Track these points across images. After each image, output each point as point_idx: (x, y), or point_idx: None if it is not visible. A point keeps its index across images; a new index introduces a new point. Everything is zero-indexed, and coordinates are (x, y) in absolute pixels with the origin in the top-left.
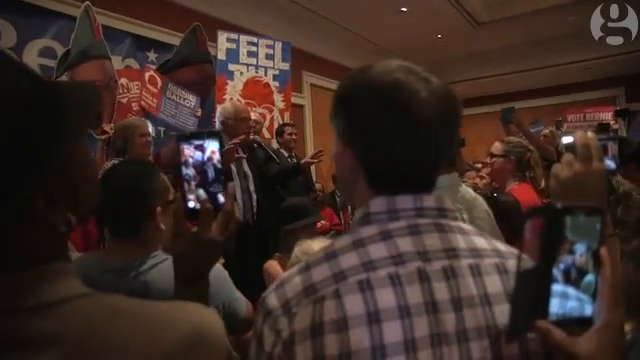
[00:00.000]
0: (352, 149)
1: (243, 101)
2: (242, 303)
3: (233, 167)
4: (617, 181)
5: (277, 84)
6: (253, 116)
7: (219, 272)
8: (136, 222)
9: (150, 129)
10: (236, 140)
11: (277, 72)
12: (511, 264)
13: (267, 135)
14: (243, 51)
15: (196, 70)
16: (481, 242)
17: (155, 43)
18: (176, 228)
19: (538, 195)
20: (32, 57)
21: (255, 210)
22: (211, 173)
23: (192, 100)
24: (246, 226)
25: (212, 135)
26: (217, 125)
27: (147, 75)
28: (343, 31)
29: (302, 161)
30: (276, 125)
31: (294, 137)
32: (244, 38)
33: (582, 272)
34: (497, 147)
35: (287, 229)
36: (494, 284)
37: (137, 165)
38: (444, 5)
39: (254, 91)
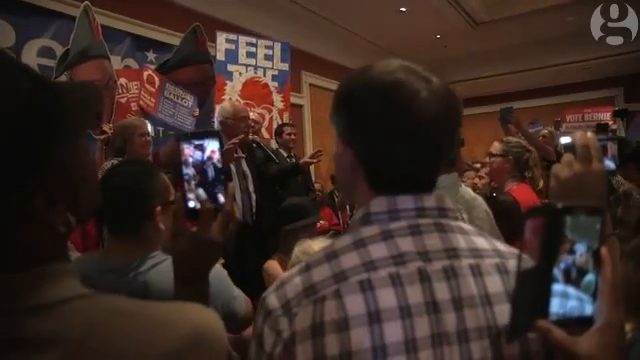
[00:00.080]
0: (352, 149)
1: (242, 101)
2: (241, 301)
3: (232, 167)
4: (617, 181)
5: (276, 84)
6: (252, 116)
7: (218, 272)
8: (136, 221)
9: (149, 129)
10: (235, 140)
11: (276, 73)
12: (511, 264)
13: (266, 135)
14: (242, 52)
15: (196, 70)
16: (481, 242)
17: (154, 43)
18: (176, 228)
19: (537, 195)
20: (31, 57)
21: (254, 210)
22: (211, 173)
23: (189, 100)
24: (245, 226)
25: (212, 135)
26: (216, 125)
27: (145, 74)
28: (342, 31)
29: (301, 161)
30: (275, 125)
31: (293, 137)
32: (243, 39)
33: (582, 272)
34: (496, 147)
35: (287, 229)
36: (495, 284)
37: (138, 165)
38: (443, 5)
39: (253, 91)
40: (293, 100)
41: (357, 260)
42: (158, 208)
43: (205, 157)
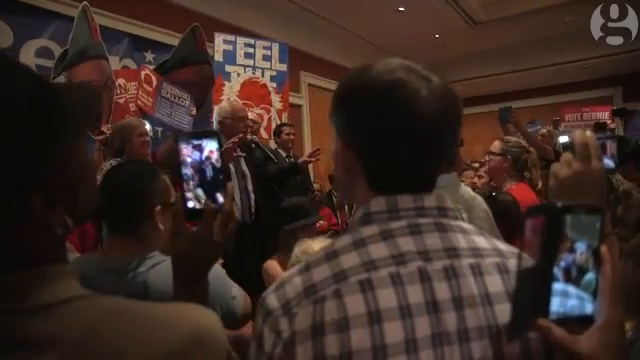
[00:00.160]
0: (352, 148)
1: (240, 102)
2: (240, 300)
3: (231, 166)
4: (617, 180)
5: (274, 85)
6: (250, 116)
7: (217, 272)
8: (135, 220)
9: (148, 129)
10: (235, 139)
11: (274, 73)
12: (512, 263)
13: (265, 135)
14: (240, 52)
15: (195, 71)
16: (482, 241)
17: (153, 43)
18: (175, 228)
19: (536, 195)
20: (29, 57)
21: (253, 210)
22: (209, 173)
23: (187, 99)
24: (244, 226)
25: (210, 135)
26: (215, 125)
27: (143, 74)
28: (341, 31)
29: (299, 160)
30: (274, 125)
31: (292, 137)
32: (241, 40)
33: (582, 270)
34: (496, 145)
35: (286, 229)
36: (495, 283)
37: (139, 165)
38: (442, 5)
39: (251, 92)
40: (292, 100)
41: (357, 260)
42: (158, 208)
43: (203, 157)
